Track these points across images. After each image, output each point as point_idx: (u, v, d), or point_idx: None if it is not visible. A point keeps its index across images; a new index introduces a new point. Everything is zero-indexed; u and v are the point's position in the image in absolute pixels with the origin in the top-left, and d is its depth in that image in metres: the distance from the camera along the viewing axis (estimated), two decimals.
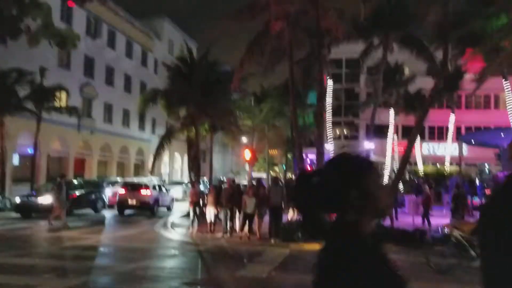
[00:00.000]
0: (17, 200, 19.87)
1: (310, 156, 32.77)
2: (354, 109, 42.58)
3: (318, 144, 14.43)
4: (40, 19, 16.00)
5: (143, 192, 22.06)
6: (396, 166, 34.35)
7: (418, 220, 17.67)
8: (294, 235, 13.05)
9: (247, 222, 14.25)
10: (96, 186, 24.12)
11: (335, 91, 27.50)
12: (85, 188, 22.58)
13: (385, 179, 28.46)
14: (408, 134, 39.72)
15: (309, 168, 20.40)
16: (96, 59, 35.83)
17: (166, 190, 25.67)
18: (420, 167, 35.91)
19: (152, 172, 30.35)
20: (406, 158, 14.77)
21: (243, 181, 33.54)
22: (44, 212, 19.44)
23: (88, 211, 21.74)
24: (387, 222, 15.90)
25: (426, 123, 38.08)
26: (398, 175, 16.05)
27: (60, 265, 10.18)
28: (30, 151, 26.81)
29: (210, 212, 15.18)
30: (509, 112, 22.06)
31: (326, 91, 15.98)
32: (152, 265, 10.53)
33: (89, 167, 35.76)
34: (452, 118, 35.29)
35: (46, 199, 19.73)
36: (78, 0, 22.97)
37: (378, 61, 25.42)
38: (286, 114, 31.97)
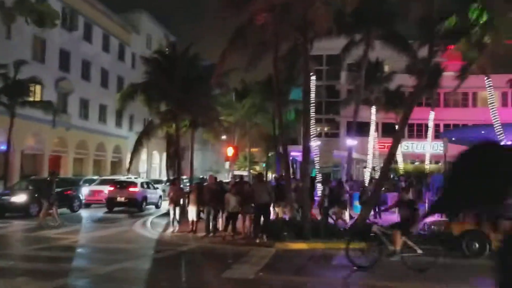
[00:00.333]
0: None
1: (293, 154, 32.52)
2: (335, 106, 42.51)
3: (305, 141, 14.11)
4: None
5: (131, 189, 22.69)
6: (376, 164, 34.49)
7: None
8: (279, 233, 12.72)
9: (230, 221, 13.84)
10: (73, 184, 23.36)
11: (316, 88, 27.30)
12: (61, 186, 21.77)
13: (367, 177, 28.47)
14: (388, 131, 40.16)
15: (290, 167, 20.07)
16: (72, 52, 34.81)
17: (154, 188, 25.77)
18: (400, 165, 36.11)
19: (129, 170, 29.68)
20: (392, 156, 14.61)
21: (224, 179, 33.12)
22: (18, 211, 18.74)
23: (64, 210, 20.93)
24: (372, 219, 15.76)
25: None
26: (383, 173, 15.87)
27: (36, 267, 9.61)
28: (3, 147, 25.82)
29: (192, 211, 14.73)
30: (490, 109, 22.19)
31: (309, 87, 15.63)
32: (132, 267, 10.04)
33: (64, 165, 34.77)
34: (431, 115, 35.55)
35: (20, 198, 19.01)
36: None
37: (359, 58, 25.31)
38: (268, 110, 31.69)
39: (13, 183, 23.84)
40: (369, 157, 29.33)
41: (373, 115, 31.59)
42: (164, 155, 50.47)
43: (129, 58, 44.14)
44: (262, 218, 13.08)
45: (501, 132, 21.06)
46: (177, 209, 15.34)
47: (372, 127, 31.09)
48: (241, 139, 38.66)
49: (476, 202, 1.61)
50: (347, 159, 25.30)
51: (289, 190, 14.14)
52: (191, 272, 10.01)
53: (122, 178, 27.01)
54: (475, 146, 1.73)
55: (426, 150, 35.46)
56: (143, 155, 42.45)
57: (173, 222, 15.37)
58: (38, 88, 27.60)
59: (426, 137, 38.05)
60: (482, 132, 25.07)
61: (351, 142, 24.01)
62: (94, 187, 25.64)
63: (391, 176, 33.41)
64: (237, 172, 39.50)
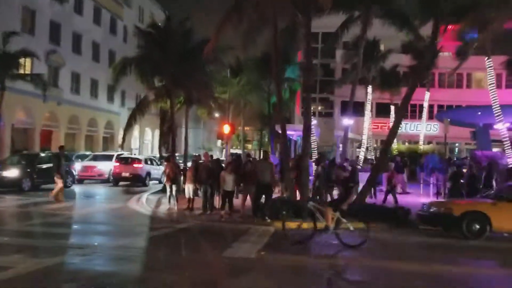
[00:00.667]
0: None
1: (288, 133, 32.30)
2: (330, 86, 42.22)
3: (306, 119, 13.81)
4: None
5: (136, 165, 24.06)
6: (371, 144, 34.48)
7: (398, 198, 17.54)
8: (278, 213, 12.55)
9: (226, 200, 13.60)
10: (65, 160, 22.94)
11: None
12: (53, 162, 21.38)
13: (361, 157, 28.41)
14: (382, 111, 40.06)
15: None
16: (63, 25, 33.92)
17: (157, 164, 26.17)
18: (394, 145, 36.09)
19: (122, 146, 29.31)
20: (393, 135, 14.41)
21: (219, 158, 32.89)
22: (10, 186, 18.42)
23: None
24: (369, 200, 15.69)
25: (399, 101, 38.13)
26: (384, 153, 15.69)
27: (31, 243, 9.37)
28: None
29: (189, 189, 14.50)
30: (490, 90, 22.04)
31: (312, 64, 15.26)
32: (130, 244, 9.81)
33: (56, 140, 34.18)
34: (427, 96, 35.42)
35: (12, 173, 18.68)
36: None
37: (356, 36, 24.95)
38: (263, 88, 31.35)
39: (4, 158, 23.40)
40: (364, 137, 29.21)
41: (369, 94, 31.36)
42: (156, 131, 50.12)
43: (121, 32, 43.24)
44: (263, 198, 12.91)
45: (500, 113, 20.96)
46: (174, 187, 15.10)
47: (368, 107, 30.90)
48: (234, 117, 38.31)
49: None
50: (343, 139, 25.15)
51: (289, 169, 13.93)
52: (191, 250, 9.82)
53: (115, 153, 26.77)
54: None
55: (420, 131, 35.42)
56: (136, 131, 42.01)
57: (169, 199, 15.16)
58: (28, 61, 26.87)
59: (419, 117, 38.01)
60: (479, 113, 25.02)
61: (347, 121, 23.79)
62: (87, 163, 25.34)
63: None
64: (231, 151, 39.29)
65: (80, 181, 23.72)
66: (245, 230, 11.49)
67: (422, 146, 34.65)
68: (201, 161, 14.89)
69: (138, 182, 23.62)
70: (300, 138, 30.73)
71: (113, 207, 16.15)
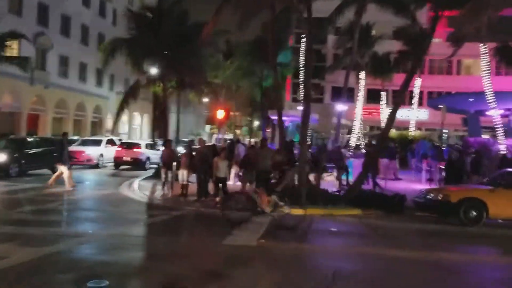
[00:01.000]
0: None
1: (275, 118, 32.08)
2: (321, 71, 41.90)
3: (305, 104, 13.56)
4: None
5: (136, 150, 24.87)
6: (362, 130, 34.38)
7: (391, 185, 17.53)
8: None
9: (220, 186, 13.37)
10: (53, 145, 22.44)
11: (301, 51, 26.65)
12: (41, 146, 20.92)
13: (352, 144, 28.34)
14: (373, 97, 39.93)
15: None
16: (51, 6, 33.09)
17: (157, 149, 26.01)
18: None
19: (113, 131, 28.87)
20: (392, 122, 14.26)
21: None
22: None
23: (45, 171, 20.14)
24: (366, 186, 15.59)
25: (390, 87, 38.11)
26: (381, 141, 15.54)
27: (22, 231, 9.07)
28: None
29: (184, 175, 14.25)
30: (483, 77, 21.97)
31: (311, 48, 14.97)
32: (126, 232, 9.55)
33: (43, 124, 33.63)
34: (418, 83, 35.37)
35: None
36: None
37: (350, 21, 24.64)
38: (256, 73, 30.95)
39: None
40: (357, 123, 29.11)
41: (362, 80, 31.18)
42: (145, 116, 49.55)
43: (110, 15, 42.39)
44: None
45: (493, 100, 20.94)
46: (169, 173, 14.83)
47: (361, 93, 30.74)
48: (225, 103, 37.94)
49: None
50: (336, 125, 25.01)
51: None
52: (189, 238, 9.64)
53: (103, 138, 26.40)
54: None
55: (411, 117, 35.41)
56: (124, 116, 41.40)
57: (164, 185, 14.89)
58: (15, 43, 26.13)
59: (409, 104, 37.97)
60: (470, 100, 25.00)
61: (341, 107, 23.63)
62: (75, 148, 24.81)
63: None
64: (221, 136, 39.02)
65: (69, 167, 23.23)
66: (243, 218, 11.28)
67: (412, 133, 34.65)
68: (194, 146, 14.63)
69: (138, 166, 24.30)
70: (292, 124, 30.68)
71: (104, 193, 15.85)
